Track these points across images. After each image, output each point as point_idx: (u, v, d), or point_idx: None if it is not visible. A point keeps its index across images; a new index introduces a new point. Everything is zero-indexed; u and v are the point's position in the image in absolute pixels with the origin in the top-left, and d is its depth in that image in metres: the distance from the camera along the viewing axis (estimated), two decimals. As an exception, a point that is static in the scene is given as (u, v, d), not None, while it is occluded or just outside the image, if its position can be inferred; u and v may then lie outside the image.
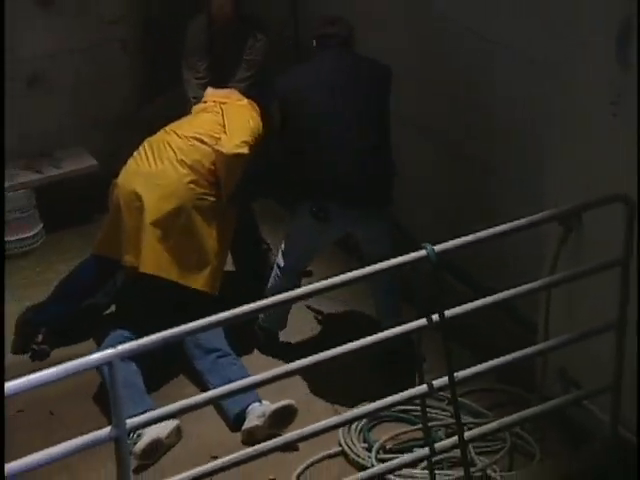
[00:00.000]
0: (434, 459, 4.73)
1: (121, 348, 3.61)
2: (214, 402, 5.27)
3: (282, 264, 5.94)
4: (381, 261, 4.16)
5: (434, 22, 6.27)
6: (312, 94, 5.66)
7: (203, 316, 4.05)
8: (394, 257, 4.26)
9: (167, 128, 6.17)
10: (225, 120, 6.11)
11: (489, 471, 4.95)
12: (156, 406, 5.19)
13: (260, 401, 5.37)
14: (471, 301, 4.35)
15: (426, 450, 4.47)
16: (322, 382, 5.56)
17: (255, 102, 6.43)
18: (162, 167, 5.87)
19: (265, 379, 4.17)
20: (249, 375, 5.23)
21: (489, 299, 4.37)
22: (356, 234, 5.84)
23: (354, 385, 5.50)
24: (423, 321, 4.14)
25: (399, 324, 4.68)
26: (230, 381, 4.93)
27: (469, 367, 4.43)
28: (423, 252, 4.03)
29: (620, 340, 4.56)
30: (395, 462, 4.67)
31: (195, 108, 6.38)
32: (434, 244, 4.11)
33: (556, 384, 5.07)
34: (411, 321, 4.22)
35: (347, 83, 5.69)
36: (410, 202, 6.63)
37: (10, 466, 3.58)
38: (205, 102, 6.39)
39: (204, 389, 5.49)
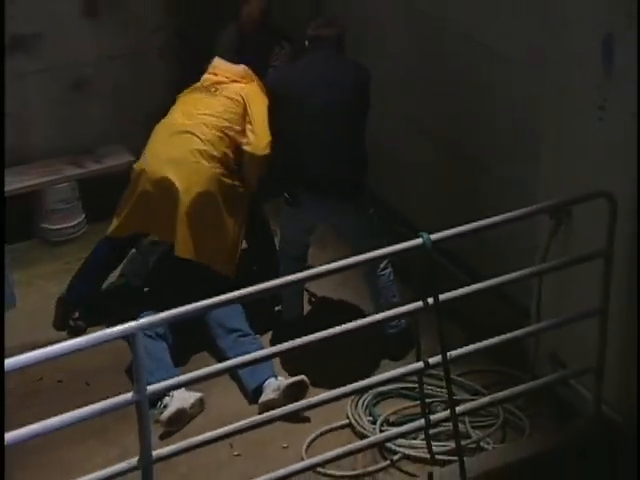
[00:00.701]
0: (431, 431, 4.85)
1: (142, 321, 3.69)
2: (230, 372, 5.36)
3: (279, 250, 6.02)
4: (364, 249, 4.22)
5: (435, 25, 6.21)
6: (293, 90, 5.65)
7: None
8: (375, 249, 4.32)
9: (185, 109, 6.06)
10: (249, 111, 6.02)
11: (482, 443, 5.04)
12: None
13: (276, 377, 5.41)
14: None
15: (422, 422, 4.56)
16: (327, 366, 5.56)
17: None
18: (193, 158, 5.83)
19: (275, 352, 4.36)
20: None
21: (482, 284, 4.42)
22: (337, 226, 5.83)
23: (358, 368, 5.45)
24: (419, 303, 4.19)
25: (394, 306, 4.83)
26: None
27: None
28: (419, 240, 4.09)
29: (603, 325, 4.62)
30: (394, 431, 4.79)
31: (206, 79, 6.20)
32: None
33: (546, 366, 5.10)
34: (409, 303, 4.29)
35: (327, 84, 5.65)
36: (412, 196, 6.65)
37: (48, 422, 3.70)
38: (216, 74, 6.21)
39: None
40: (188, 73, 7.24)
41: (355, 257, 4.16)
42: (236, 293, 3.98)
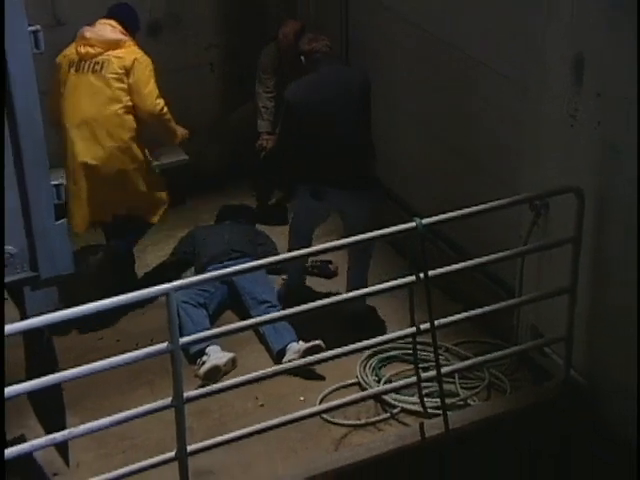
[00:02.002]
0: (426, 390, 5.01)
1: (175, 283, 3.84)
2: (258, 334, 5.62)
3: (292, 238, 5.97)
4: (361, 232, 4.31)
5: (440, 45, 6.15)
6: (314, 105, 5.59)
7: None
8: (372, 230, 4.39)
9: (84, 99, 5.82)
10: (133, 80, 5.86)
11: (469, 400, 5.15)
12: (218, 340, 5.45)
13: (297, 341, 5.50)
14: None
15: (414, 379, 4.72)
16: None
17: None
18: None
19: (292, 313, 4.35)
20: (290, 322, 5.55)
21: (469, 262, 4.54)
22: (346, 211, 5.78)
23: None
24: (412, 277, 4.32)
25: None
26: (275, 325, 5.44)
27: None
28: (413, 224, 4.21)
29: (572, 301, 4.72)
30: (390, 386, 4.95)
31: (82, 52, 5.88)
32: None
33: (527, 337, 5.19)
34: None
35: (341, 94, 5.64)
36: (414, 185, 6.67)
37: (92, 366, 3.84)
38: (92, 45, 5.88)
39: (255, 331, 5.70)
40: (234, 85, 7.37)
41: (356, 237, 4.28)
42: (259, 262, 4.15)
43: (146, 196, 6.03)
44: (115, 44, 5.88)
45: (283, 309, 4.43)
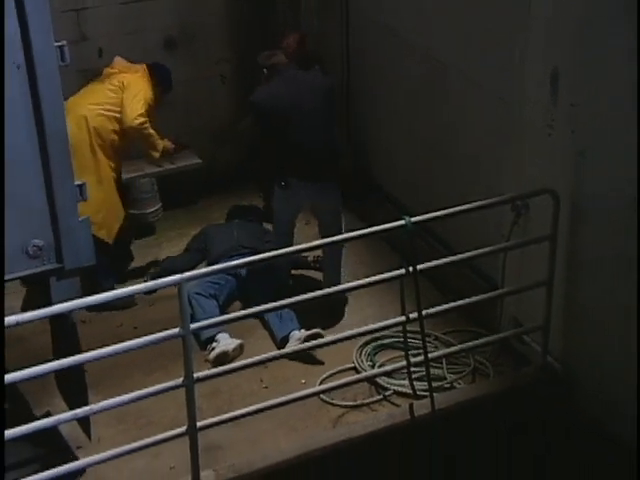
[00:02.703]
0: (416, 375, 5.00)
1: (186, 274, 3.93)
2: (263, 323, 5.66)
3: (274, 229, 6.06)
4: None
5: (431, 61, 6.15)
6: (281, 103, 5.64)
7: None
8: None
9: (78, 98, 5.96)
10: (124, 94, 5.99)
11: (455, 384, 5.19)
12: (227, 328, 5.52)
13: (299, 329, 5.55)
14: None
15: (404, 363, 4.76)
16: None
17: None
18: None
19: (295, 301, 4.38)
20: (293, 312, 5.62)
21: (454, 257, 4.63)
22: (315, 202, 5.86)
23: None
24: (402, 271, 4.38)
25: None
26: (280, 315, 5.52)
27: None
28: (402, 222, 4.28)
29: (549, 293, 4.77)
30: (382, 369, 5.02)
31: (105, 72, 6.18)
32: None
33: (509, 327, 5.19)
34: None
35: (304, 95, 5.67)
36: (405, 184, 6.70)
37: (111, 348, 3.92)
38: (112, 68, 6.20)
39: (262, 320, 5.74)
40: (242, 95, 7.24)
41: (347, 234, 4.40)
42: (257, 257, 4.20)
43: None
44: (129, 69, 6.11)
45: (273, 299, 4.52)
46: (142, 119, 5.98)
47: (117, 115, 5.98)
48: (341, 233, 5.58)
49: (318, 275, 6.23)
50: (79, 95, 6.06)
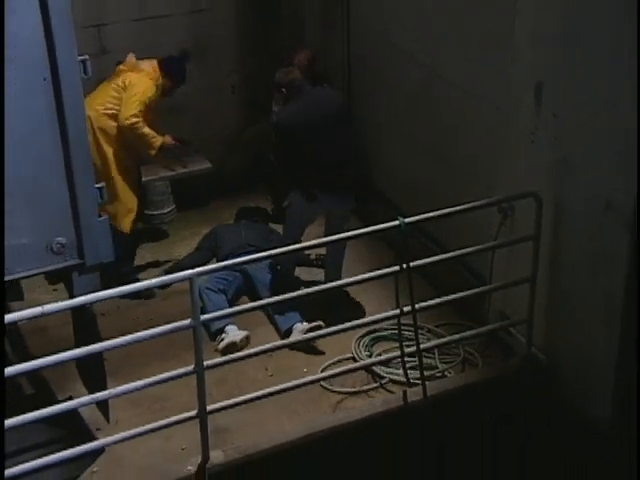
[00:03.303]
0: (410, 364, 5.04)
1: (197, 269, 3.98)
2: (268, 316, 5.67)
3: (286, 232, 5.97)
4: (341, 228, 4.54)
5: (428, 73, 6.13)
6: (306, 124, 5.63)
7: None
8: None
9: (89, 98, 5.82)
10: (125, 94, 5.96)
11: (446, 373, 5.25)
12: (235, 321, 5.58)
13: (302, 322, 5.59)
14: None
15: (399, 353, 4.84)
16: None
17: None
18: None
19: (295, 296, 4.53)
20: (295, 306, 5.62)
21: (444, 255, 4.67)
22: (332, 210, 5.84)
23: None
24: (397, 267, 4.44)
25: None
26: (282, 308, 5.48)
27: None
28: (397, 222, 4.34)
29: (532, 289, 4.80)
30: (378, 359, 5.06)
31: (116, 69, 6.13)
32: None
33: (497, 320, 5.22)
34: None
35: (322, 114, 5.70)
36: (403, 186, 6.68)
37: (128, 337, 3.96)
38: (124, 65, 6.14)
39: (267, 314, 5.78)
40: (250, 105, 7.39)
41: (345, 233, 4.46)
42: (263, 254, 4.26)
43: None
44: (135, 67, 6.11)
45: (278, 294, 4.57)
46: (134, 119, 5.92)
47: (117, 113, 5.98)
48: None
49: (319, 272, 6.27)
50: (90, 96, 5.98)
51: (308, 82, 5.88)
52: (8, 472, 3.85)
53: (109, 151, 6.03)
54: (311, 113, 5.69)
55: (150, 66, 6.17)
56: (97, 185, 4.14)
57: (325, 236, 5.75)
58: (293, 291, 4.49)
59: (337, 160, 5.71)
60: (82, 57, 3.86)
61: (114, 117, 6.00)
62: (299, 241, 5.83)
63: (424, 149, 6.38)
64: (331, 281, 4.96)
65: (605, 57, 4.22)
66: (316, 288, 4.51)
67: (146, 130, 6.01)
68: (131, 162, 6.20)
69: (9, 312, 3.86)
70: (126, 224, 6.13)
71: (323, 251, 6.25)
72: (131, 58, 6.20)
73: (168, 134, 6.24)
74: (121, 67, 6.16)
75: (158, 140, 6.11)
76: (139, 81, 6.05)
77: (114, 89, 6.05)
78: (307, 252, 6.34)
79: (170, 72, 6.22)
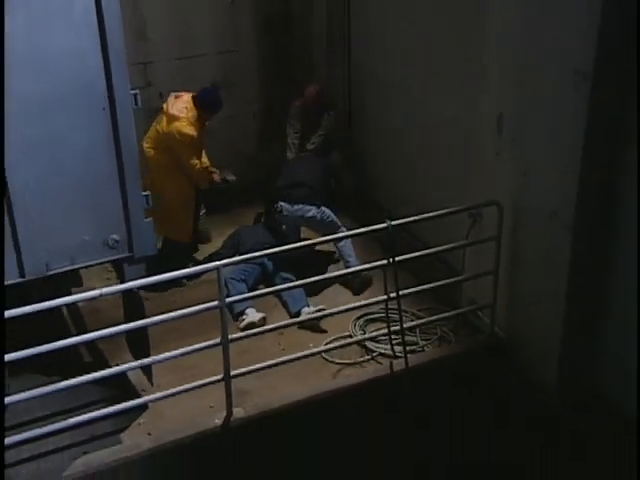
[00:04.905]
0: (393, 340, 5.07)
1: (223, 261, 4.10)
2: (280, 300, 5.67)
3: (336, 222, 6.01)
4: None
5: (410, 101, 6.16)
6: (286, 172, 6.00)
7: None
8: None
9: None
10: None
11: (425, 348, 5.25)
12: (253, 304, 5.59)
13: (309, 305, 5.63)
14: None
15: (386, 331, 4.91)
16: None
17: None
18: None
19: (303, 283, 4.67)
20: (304, 293, 5.68)
21: (425, 251, 4.74)
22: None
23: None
24: (384, 261, 4.56)
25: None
26: (293, 295, 5.50)
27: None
28: (385, 224, 4.45)
29: (495, 279, 4.88)
30: (366, 335, 5.09)
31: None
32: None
33: (467, 304, 5.28)
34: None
35: (306, 170, 6.07)
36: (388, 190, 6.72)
37: (167, 315, 4.03)
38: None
39: (279, 299, 5.82)
40: (268, 131, 7.34)
41: (342, 234, 4.72)
42: (278, 249, 4.39)
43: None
44: (174, 118, 5.93)
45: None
46: (193, 162, 5.97)
47: (161, 148, 5.94)
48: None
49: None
50: (144, 139, 6.02)
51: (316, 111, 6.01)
52: (75, 420, 4.01)
53: (158, 176, 5.97)
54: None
55: (184, 108, 5.94)
56: (144, 193, 4.26)
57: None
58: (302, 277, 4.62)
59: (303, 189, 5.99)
60: (133, 91, 4.00)
61: (161, 151, 5.93)
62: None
63: (411, 165, 6.37)
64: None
65: (550, 94, 4.28)
66: (314, 279, 4.62)
67: (203, 171, 6.10)
68: (190, 183, 6.20)
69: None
70: (183, 235, 6.17)
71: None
72: (170, 101, 5.97)
73: (215, 173, 6.30)
74: (163, 110, 5.98)
75: (209, 178, 6.23)
76: (177, 132, 5.88)
77: (154, 132, 5.99)
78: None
79: (204, 103, 6.04)
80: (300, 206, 5.95)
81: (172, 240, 6.09)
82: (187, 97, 6.05)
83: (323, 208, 6.04)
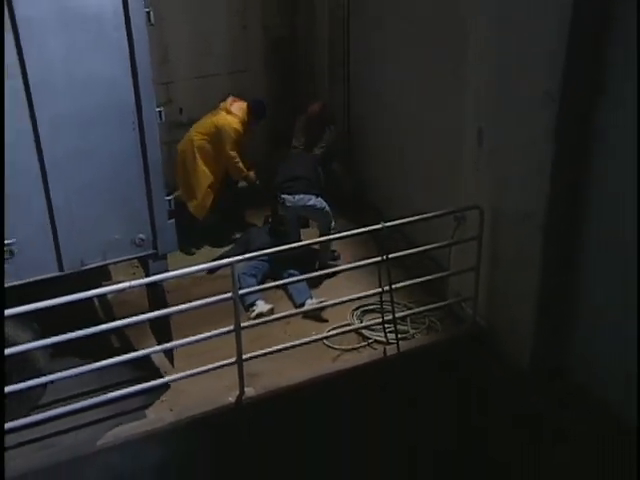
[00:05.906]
0: (387, 329, 5.06)
1: (237, 257, 4.14)
2: (284, 290, 5.65)
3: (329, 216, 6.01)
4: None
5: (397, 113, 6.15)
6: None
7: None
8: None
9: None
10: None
11: (415, 335, 5.24)
12: (263, 297, 5.60)
13: (312, 297, 5.62)
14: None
15: (380, 320, 4.94)
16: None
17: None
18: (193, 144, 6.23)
19: (308, 277, 4.78)
20: (307, 286, 5.68)
21: (415, 249, 4.78)
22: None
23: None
24: (379, 258, 4.59)
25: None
26: (297, 288, 5.49)
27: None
28: (380, 225, 4.50)
29: (477, 275, 4.91)
30: (363, 324, 5.10)
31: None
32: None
33: (453, 297, 5.29)
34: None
35: (301, 165, 6.17)
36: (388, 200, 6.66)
37: (187, 305, 4.07)
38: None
39: (286, 292, 5.78)
40: (275, 143, 7.36)
41: (340, 234, 4.62)
42: (284, 247, 4.39)
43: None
44: (229, 110, 6.38)
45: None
46: (232, 154, 6.32)
47: (210, 139, 6.28)
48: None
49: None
50: (196, 123, 6.39)
51: (319, 125, 6.15)
52: (107, 397, 4.07)
53: (200, 161, 6.36)
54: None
55: (240, 109, 6.39)
56: (167, 197, 4.32)
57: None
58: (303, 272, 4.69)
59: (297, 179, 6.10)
60: (158, 108, 4.07)
61: (209, 141, 6.31)
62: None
63: (403, 172, 6.37)
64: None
65: (524, 111, 4.28)
66: (330, 270, 4.76)
67: (239, 165, 6.42)
68: (220, 171, 6.49)
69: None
70: (200, 211, 6.40)
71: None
72: (229, 101, 6.40)
73: (252, 171, 6.56)
74: (221, 105, 6.37)
75: (245, 173, 6.52)
76: (229, 126, 6.31)
77: (209, 124, 6.33)
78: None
79: (255, 111, 6.47)
80: (301, 196, 6.03)
81: (187, 211, 6.33)
82: (242, 103, 6.48)
83: (320, 198, 6.13)
